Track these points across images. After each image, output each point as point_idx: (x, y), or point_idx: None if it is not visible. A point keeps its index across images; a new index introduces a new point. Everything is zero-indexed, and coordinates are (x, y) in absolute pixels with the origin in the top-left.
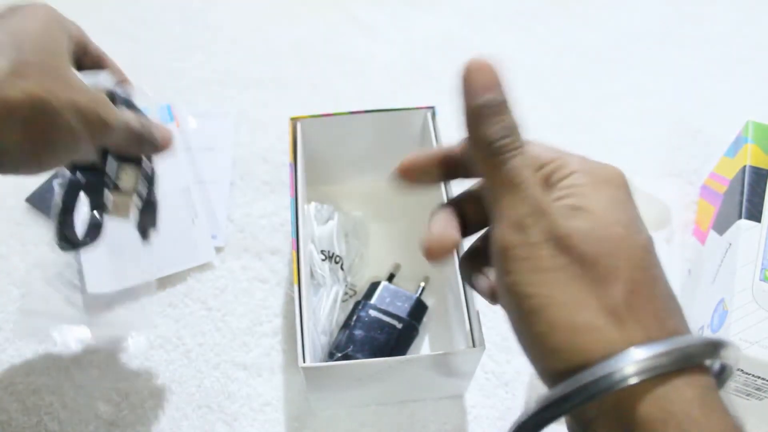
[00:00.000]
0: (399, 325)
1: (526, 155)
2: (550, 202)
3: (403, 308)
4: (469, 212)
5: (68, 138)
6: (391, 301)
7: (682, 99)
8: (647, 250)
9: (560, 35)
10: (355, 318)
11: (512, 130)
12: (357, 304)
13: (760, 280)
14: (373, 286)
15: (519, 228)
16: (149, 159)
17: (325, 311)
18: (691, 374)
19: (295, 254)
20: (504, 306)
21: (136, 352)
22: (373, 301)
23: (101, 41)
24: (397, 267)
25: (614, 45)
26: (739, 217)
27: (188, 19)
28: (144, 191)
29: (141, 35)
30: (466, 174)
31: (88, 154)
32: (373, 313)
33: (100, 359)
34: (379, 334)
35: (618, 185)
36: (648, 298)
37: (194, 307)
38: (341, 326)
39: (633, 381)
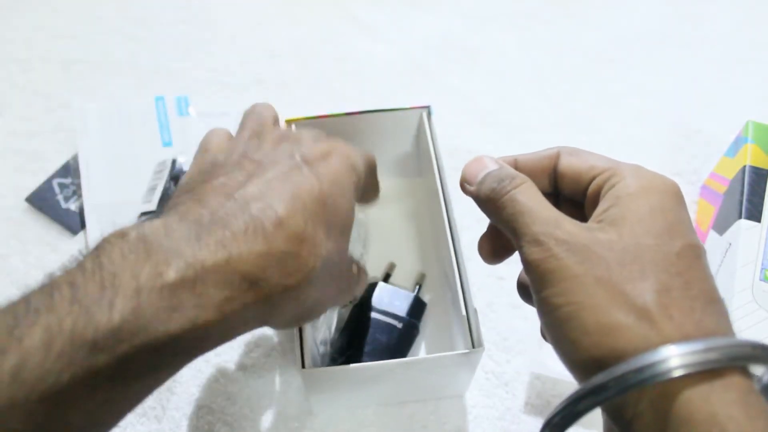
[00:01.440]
0: (399, 325)
1: (526, 188)
2: (563, 216)
3: (402, 307)
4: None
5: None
6: (389, 301)
7: (682, 99)
8: (680, 256)
9: (560, 35)
10: (354, 321)
11: (505, 177)
12: (356, 306)
13: (760, 280)
14: (371, 287)
15: (538, 243)
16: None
17: (322, 319)
18: (732, 376)
19: None
20: (543, 322)
21: None
22: (371, 302)
23: (101, 41)
24: (392, 266)
25: (614, 45)
26: (739, 217)
27: (188, 19)
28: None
29: (141, 35)
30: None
31: None
32: (372, 314)
33: None
34: (380, 336)
35: (664, 192)
36: (680, 299)
37: None
38: (341, 330)
39: (666, 376)
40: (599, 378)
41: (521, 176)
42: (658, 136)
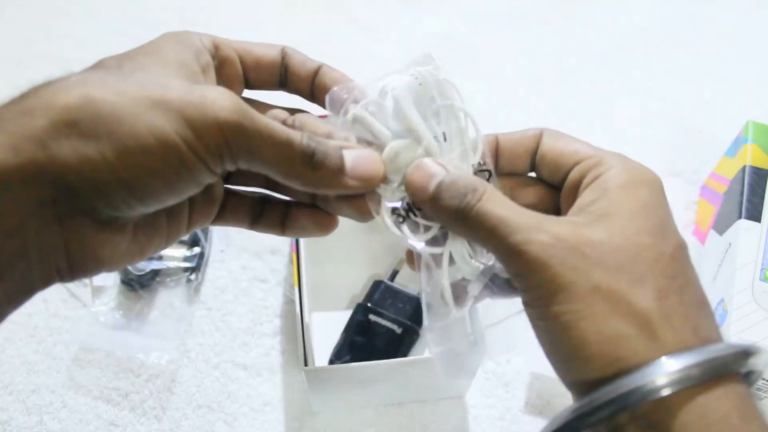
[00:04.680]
0: (399, 330)
1: (490, 196)
2: (543, 216)
3: (404, 310)
4: None
5: None
6: (392, 303)
7: (682, 99)
8: (674, 258)
9: (560, 35)
10: (355, 323)
11: (466, 189)
12: (358, 307)
13: (760, 280)
14: (375, 286)
15: (519, 255)
16: None
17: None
18: (728, 383)
19: (295, 256)
20: (536, 333)
21: (137, 351)
22: (372, 304)
23: (101, 41)
24: (401, 262)
25: (614, 45)
26: (739, 217)
27: (188, 19)
28: None
29: (141, 35)
30: None
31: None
32: (372, 317)
33: (100, 359)
34: (378, 341)
35: (653, 187)
36: (677, 305)
37: (194, 307)
38: (342, 331)
39: (666, 392)
40: (605, 394)
41: (481, 183)
42: (658, 136)
